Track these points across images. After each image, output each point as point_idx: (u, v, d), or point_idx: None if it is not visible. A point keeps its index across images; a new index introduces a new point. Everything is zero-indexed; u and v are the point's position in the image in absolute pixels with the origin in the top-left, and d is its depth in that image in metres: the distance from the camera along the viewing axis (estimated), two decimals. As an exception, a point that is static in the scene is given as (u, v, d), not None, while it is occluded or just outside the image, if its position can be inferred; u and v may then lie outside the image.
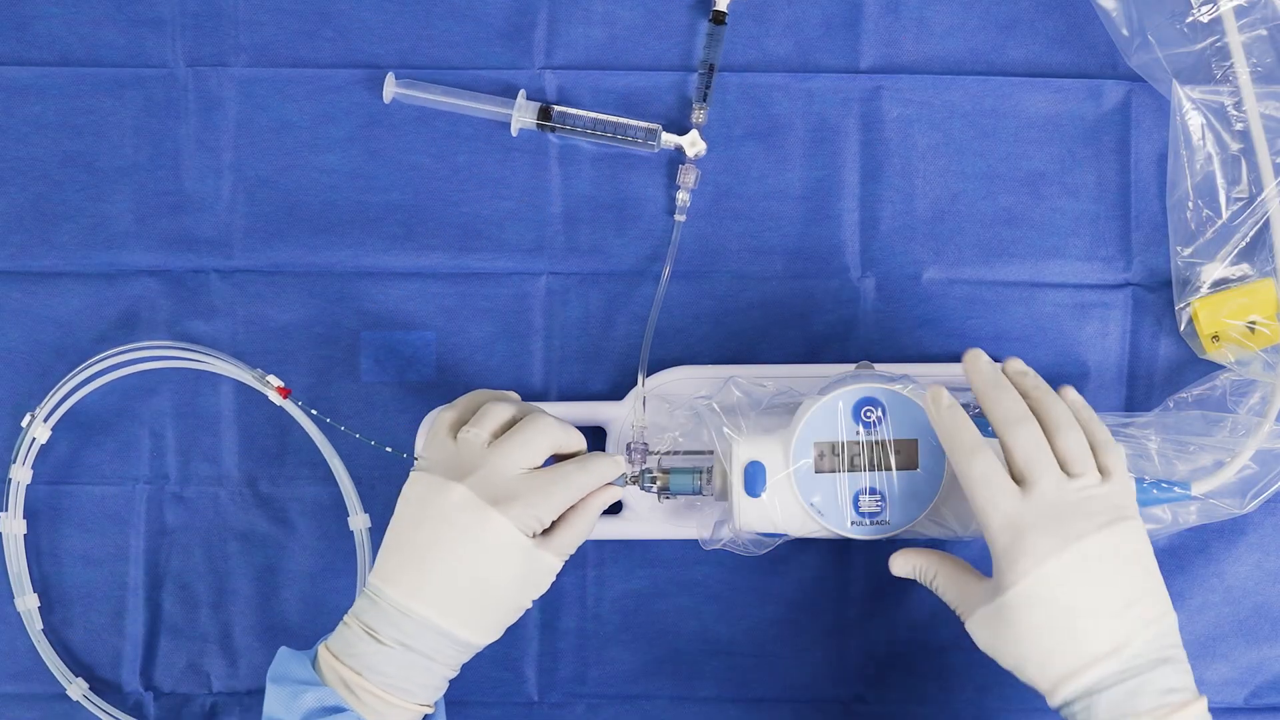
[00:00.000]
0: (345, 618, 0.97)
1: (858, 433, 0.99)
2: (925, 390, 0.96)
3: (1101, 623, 0.89)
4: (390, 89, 1.12)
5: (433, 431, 1.00)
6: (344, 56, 1.14)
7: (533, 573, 0.97)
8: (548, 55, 1.14)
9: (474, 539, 0.94)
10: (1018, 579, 0.89)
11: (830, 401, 1.00)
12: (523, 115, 1.12)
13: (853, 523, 0.99)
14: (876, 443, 0.99)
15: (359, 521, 1.11)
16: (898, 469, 0.99)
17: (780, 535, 1.02)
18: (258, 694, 1.14)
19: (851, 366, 1.06)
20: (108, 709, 1.12)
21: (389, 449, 1.09)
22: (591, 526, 1.00)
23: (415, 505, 0.97)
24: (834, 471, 0.99)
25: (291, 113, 1.14)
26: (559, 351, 1.14)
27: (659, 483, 1.03)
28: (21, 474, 1.12)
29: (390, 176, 1.14)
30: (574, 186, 1.14)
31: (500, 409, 1.00)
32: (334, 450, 1.11)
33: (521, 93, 1.12)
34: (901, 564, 0.98)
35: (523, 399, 1.12)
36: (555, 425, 0.99)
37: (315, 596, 1.14)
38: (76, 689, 1.12)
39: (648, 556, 1.13)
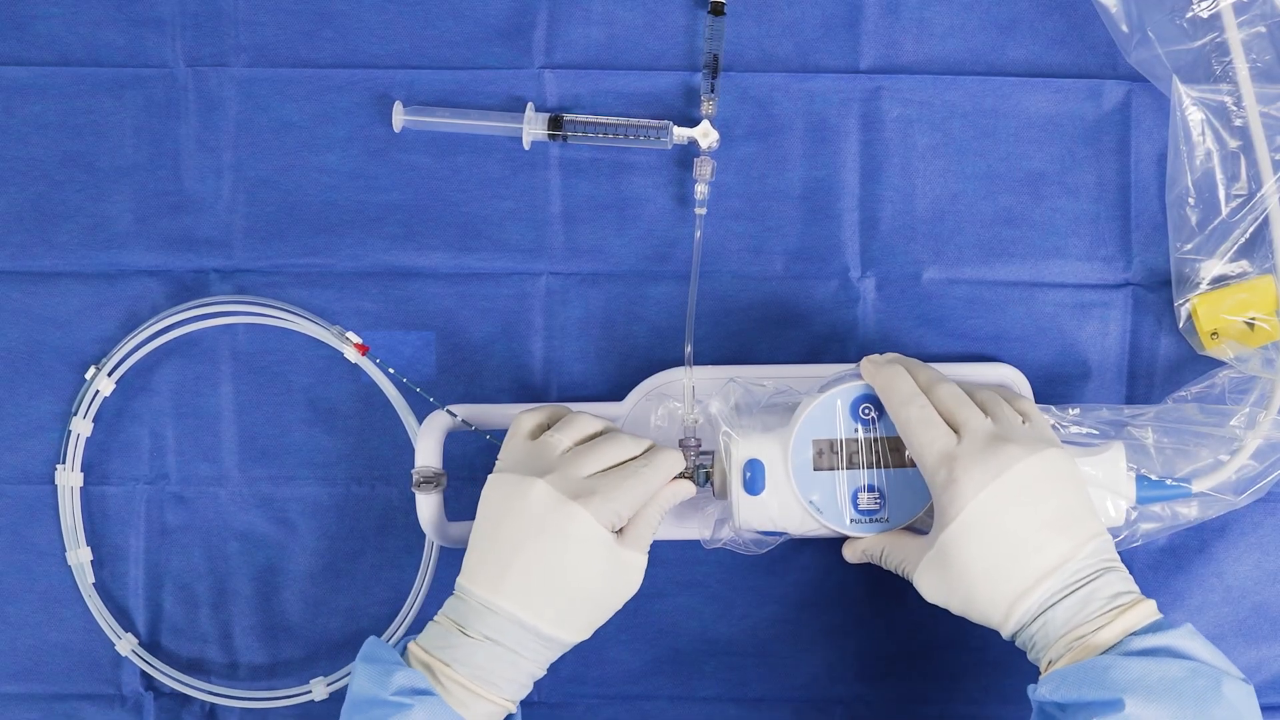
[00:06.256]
0: (436, 616, 0.98)
1: (856, 430, 1.00)
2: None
3: (1044, 539, 0.92)
4: (399, 118, 1.12)
5: (511, 434, 1.02)
6: (344, 56, 1.14)
7: (618, 569, 0.97)
8: (547, 55, 1.14)
9: (555, 532, 0.95)
10: (958, 510, 0.92)
11: (828, 399, 1.00)
12: (533, 128, 1.12)
13: (852, 520, 0.99)
14: (874, 440, 0.99)
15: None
16: (896, 466, 0.99)
17: (780, 534, 1.02)
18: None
19: (851, 365, 1.06)
20: (158, 665, 1.13)
21: (458, 417, 1.08)
22: (660, 520, 1.00)
23: (496, 504, 0.98)
24: (832, 469, 0.99)
25: (291, 113, 1.14)
26: (559, 351, 1.14)
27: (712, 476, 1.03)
28: (82, 426, 1.12)
29: (390, 176, 1.14)
30: (574, 186, 1.14)
31: (586, 421, 1.01)
32: (409, 409, 1.11)
33: (530, 105, 1.12)
34: (852, 551, 1.01)
35: (523, 399, 1.12)
36: (633, 443, 1.00)
37: (315, 596, 1.14)
38: (126, 644, 1.13)
39: (648, 556, 1.13)
